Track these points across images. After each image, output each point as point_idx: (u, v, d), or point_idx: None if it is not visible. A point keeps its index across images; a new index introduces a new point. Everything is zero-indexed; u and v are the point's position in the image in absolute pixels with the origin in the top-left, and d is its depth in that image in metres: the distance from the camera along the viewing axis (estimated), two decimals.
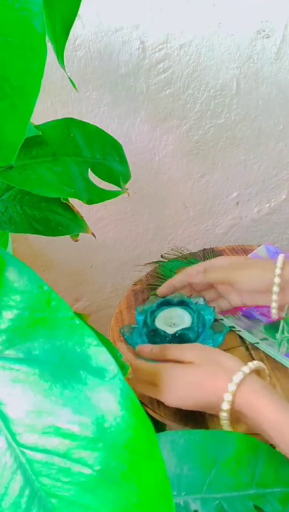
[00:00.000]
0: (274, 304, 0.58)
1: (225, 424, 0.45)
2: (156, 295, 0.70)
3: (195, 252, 0.86)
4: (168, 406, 0.48)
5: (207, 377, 0.46)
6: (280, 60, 0.79)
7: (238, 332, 0.66)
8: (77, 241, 0.56)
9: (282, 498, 0.37)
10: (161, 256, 0.86)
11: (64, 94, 0.73)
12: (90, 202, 0.50)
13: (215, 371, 0.46)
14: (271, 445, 0.40)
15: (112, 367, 0.21)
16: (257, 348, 0.64)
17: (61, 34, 0.38)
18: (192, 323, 0.59)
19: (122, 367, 0.42)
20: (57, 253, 0.94)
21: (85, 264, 0.99)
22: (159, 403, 0.56)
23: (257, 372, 0.47)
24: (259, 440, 0.39)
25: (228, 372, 0.45)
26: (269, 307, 0.59)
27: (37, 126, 0.47)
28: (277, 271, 0.56)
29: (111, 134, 0.53)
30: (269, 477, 0.37)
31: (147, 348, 0.54)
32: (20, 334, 0.21)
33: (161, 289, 0.67)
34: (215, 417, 0.53)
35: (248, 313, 0.68)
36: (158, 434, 0.37)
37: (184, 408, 0.48)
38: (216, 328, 0.60)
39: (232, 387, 0.43)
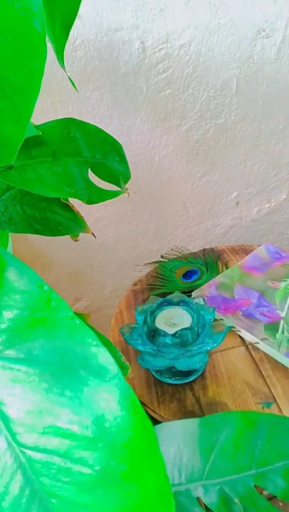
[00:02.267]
0: None
1: None
2: (157, 295, 0.70)
3: (195, 252, 0.86)
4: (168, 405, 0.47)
5: None
6: (280, 60, 0.79)
7: (238, 332, 0.66)
8: (77, 241, 0.56)
9: (284, 473, 0.37)
10: (161, 256, 0.86)
11: (64, 94, 0.73)
12: (90, 202, 0.50)
13: None
14: None
15: (113, 367, 0.21)
16: (257, 348, 0.64)
17: (61, 34, 0.38)
18: (192, 323, 0.59)
19: (122, 367, 0.42)
20: (57, 253, 0.94)
21: (85, 264, 0.99)
22: (159, 403, 0.56)
23: None
24: (260, 413, 0.39)
25: None
26: (270, 306, 0.58)
27: (37, 126, 0.47)
28: None
29: (111, 134, 0.53)
30: (270, 452, 0.37)
31: None
32: (21, 334, 0.21)
33: None
34: None
35: (248, 313, 0.68)
36: (154, 426, 0.37)
37: None
38: (216, 328, 0.60)
39: None
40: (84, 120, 0.51)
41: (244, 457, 0.37)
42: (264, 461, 0.37)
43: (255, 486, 0.36)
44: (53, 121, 0.49)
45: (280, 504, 0.58)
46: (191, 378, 0.60)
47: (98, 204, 0.51)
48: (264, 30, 0.75)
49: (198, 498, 0.36)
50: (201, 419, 0.38)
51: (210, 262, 0.82)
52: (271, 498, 0.42)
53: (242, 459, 0.37)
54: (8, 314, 0.21)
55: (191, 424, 0.38)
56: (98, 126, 0.52)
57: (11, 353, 0.21)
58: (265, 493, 0.40)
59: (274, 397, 0.57)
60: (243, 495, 0.36)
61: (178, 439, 0.37)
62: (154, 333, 0.59)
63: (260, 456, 0.37)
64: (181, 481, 0.36)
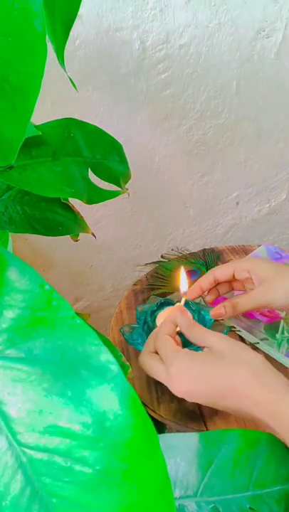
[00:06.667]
0: None
1: None
2: (157, 295, 0.70)
3: (195, 252, 0.86)
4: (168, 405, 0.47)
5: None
6: (280, 60, 0.79)
7: (238, 332, 0.66)
8: (77, 241, 0.56)
9: (279, 498, 0.36)
10: (161, 256, 0.86)
11: (64, 94, 0.73)
12: (90, 202, 0.50)
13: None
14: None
15: (113, 366, 0.21)
16: (257, 348, 0.64)
17: (61, 34, 0.38)
18: None
19: (123, 367, 0.42)
20: (57, 253, 0.94)
21: (85, 264, 0.99)
22: (159, 403, 0.56)
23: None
24: (262, 432, 0.38)
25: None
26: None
27: (37, 126, 0.47)
28: None
29: (111, 134, 0.53)
30: (268, 475, 0.36)
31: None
32: (22, 333, 0.21)
33: (190, 293, 0.61)
34: (215, 417, 0.53)
35: (248, 313, 0.68)
36: None
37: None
38: (216, 328, 0.60)
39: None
40: (84, 120, 0.51)
41: (242, 477, 0.36)
42: (262, 483, 0.36)
43: (251, 508, 0.35)
44: (53, 121, 0.49)
45: None
46: None
47: (98, 204, 0.51)
48: (264, 30, 0.75)
49: None
50: (201, 433, 0.37)
51: (210, 262, 0.82)
52: None
53: (239, 479, 0.36)
54: (9, 314, 0.21)
55: (190, 438, 0.37)
56: (98, 126, 0.52)
57: (11, 352, 0.21)
58: None
59: None
60: None
61: (176, 452, 0.36)
62: None
63: (258, 477, 0.36)
64: (175, 495, 0.36)
